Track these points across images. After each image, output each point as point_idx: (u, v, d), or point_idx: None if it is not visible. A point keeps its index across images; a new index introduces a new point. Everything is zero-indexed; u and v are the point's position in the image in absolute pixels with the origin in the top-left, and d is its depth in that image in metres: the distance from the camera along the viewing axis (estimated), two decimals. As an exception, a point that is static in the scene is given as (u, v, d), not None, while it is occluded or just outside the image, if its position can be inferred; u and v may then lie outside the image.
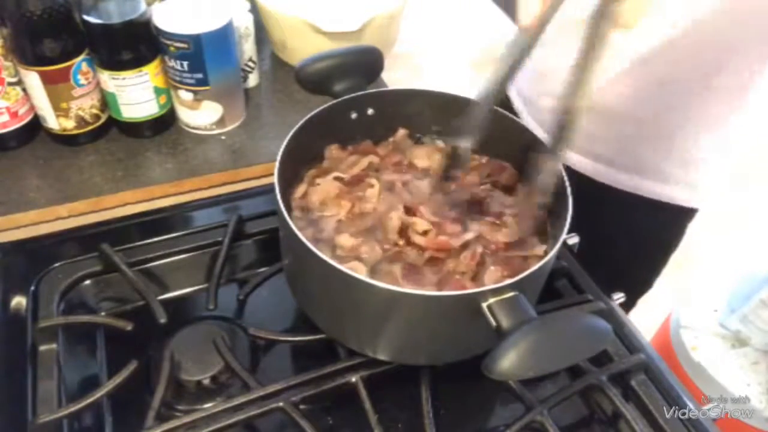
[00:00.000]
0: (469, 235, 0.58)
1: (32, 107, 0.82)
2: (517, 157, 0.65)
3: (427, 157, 0.67)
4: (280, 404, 0.57)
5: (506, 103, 0.91)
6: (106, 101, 0.84)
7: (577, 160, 0.81)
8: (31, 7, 0.71)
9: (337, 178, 0.63)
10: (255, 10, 0.95)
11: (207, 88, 0.83)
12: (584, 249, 0.73)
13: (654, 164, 0.77)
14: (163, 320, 0.63)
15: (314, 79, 0.66)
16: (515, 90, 0.90)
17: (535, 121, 0.85)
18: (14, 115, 0.81)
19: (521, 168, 0.65)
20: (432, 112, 0.68)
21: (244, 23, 0.89)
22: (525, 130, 0.63)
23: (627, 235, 0.85)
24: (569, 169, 0.80)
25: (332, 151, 0.67)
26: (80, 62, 0.78)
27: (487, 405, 0.64)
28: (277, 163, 0.56)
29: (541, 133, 0.63)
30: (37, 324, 0.62)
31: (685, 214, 0.84)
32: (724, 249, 1.97)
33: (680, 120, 0.72)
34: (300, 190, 0.62)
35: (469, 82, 1.05)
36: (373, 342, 0.58)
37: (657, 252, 0.92)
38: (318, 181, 0.63)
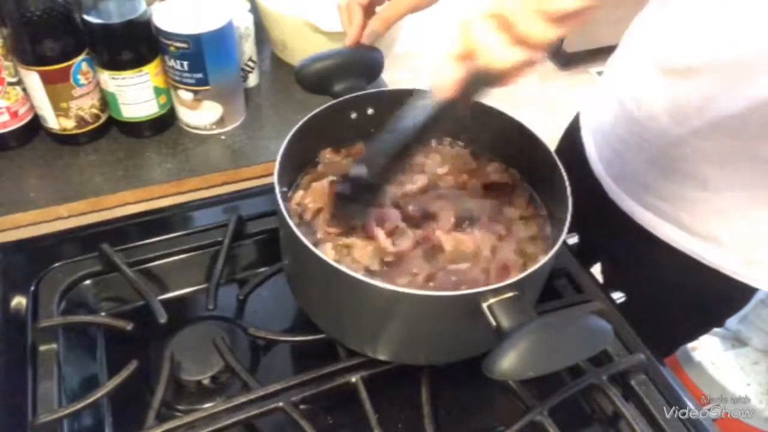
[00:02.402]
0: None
1: (32, 107, 0.82)
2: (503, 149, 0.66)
3: (423, 155, 0.68)
4: (280, 404, 0.57)
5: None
6: (106, 101, 0.84)
7: (635, 209, 0.78)
8: (31, 7, 0.71)
9: (333, 182, 0.62)
10: (255, 10, 0.95)
11: (207, 88, 0.83)
12: (633, 304, 0.70)
13: (717, 232, 0.72)
14: (163, 320, 0.63)
15: (314, 79, 0.66)
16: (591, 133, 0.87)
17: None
18: (14, 115, 0.81)
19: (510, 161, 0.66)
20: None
21: (244, 23, 0.89)
22: (515, 123, 0.63)
23: (681, 298, 0.81)
24: (630, 221, 0.79)
25: (326, 155, 0.66)
26: (80, 62, 0.78)
27: (487, 405, 0.64)
28: (277, 163, 0.56)
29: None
30: (37, 324, 0.61)
31: (745, 289, 0.76)
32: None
33: (756, 194, 0.68)
34: (297, 196, 0.62)
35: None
36: (373, 342, 0.58)
37: (710, 318, 0.88)
38: (314, 185, 0.63)
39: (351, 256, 0.57)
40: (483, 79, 0.43)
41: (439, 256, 0.57)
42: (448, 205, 0.61)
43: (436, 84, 0.44)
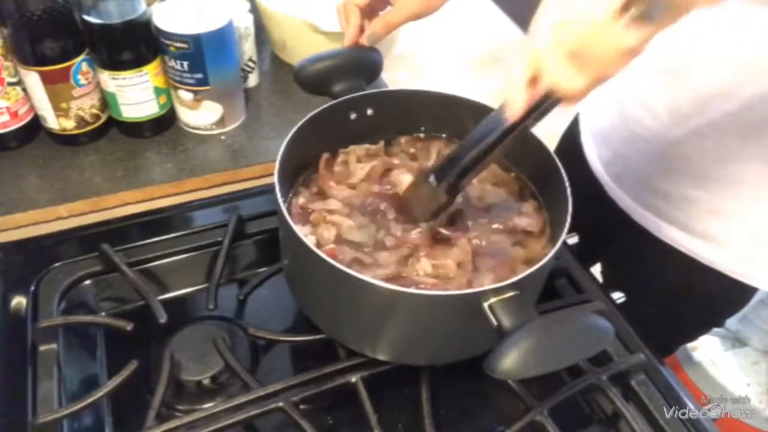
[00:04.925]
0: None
1: (32, 107, 0.82)
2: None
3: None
4: (280, 404, 0.57)
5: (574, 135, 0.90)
6: (106, 101, 0.84)
7: (635, 209, 0.78)
8: (31, 7, 0.71)
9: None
10: (255, 10, 0.95)
11: (207, 88, 0.83)
12: (633, 304, 0.70)
13: (716, 231, 0.72)
14: (163, 320, 0.63)
15: (313, 80, 0.66)
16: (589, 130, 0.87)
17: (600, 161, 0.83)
18: (14, 115, 0.81)
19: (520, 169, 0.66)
20: (431, 113, 0.68)
21: (244, 23, 0.89)
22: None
23: (681, 298, 0.81)
24: (630, 220, 0.79)
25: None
26: (80, 62, 0.78)
27: (487, 405, 0.64)
28: (277, 163, 0.56)
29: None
30: (37, 324, 0.61)
31: (744, 289, 0.76)
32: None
33: (755, 193, 0.67)
34: (297, 201, 0.62)
35: (468, 83, 1.05)
36: (372, 342, 0.58)
37: (710, 318, 0.88)
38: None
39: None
40: (550, 102, 0.46)
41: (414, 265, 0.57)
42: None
43: (507, 108, 0.47)
